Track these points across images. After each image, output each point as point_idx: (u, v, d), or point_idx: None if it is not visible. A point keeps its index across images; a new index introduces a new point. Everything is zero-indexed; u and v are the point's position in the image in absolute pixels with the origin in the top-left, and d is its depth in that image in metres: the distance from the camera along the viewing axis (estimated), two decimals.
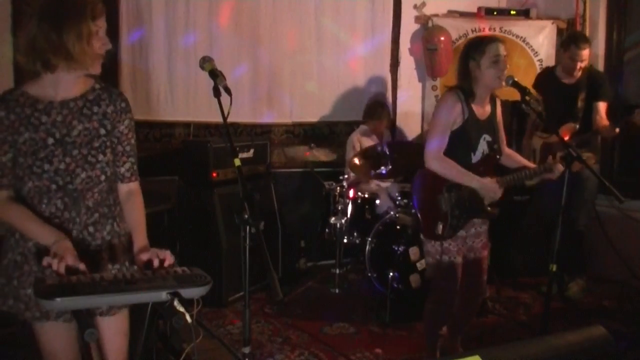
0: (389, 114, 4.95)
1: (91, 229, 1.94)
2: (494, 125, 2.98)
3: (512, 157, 3.14)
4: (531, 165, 3.09)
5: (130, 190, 2.03)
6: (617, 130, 3.78)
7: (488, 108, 2.97)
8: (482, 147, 2.93)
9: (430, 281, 3.19)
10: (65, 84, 1.89)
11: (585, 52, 4.04)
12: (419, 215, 3.01)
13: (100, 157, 1.92)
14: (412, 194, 3.10)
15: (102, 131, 1.93)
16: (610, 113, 4.06)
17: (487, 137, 2.93)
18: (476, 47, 2.86)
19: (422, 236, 3.06)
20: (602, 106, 4.05)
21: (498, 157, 3.03)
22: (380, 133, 4.89)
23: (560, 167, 2.88)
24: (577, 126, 3.99)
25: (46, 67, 1.83)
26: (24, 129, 1.84)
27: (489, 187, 2.86)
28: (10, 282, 1.89)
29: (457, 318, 3.18)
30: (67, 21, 1.77)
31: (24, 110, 1.85)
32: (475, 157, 2.92)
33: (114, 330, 2.02)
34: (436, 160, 2.84)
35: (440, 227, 2.88)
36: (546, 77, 4.36)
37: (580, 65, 4.05)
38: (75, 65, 1.83)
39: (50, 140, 1.86)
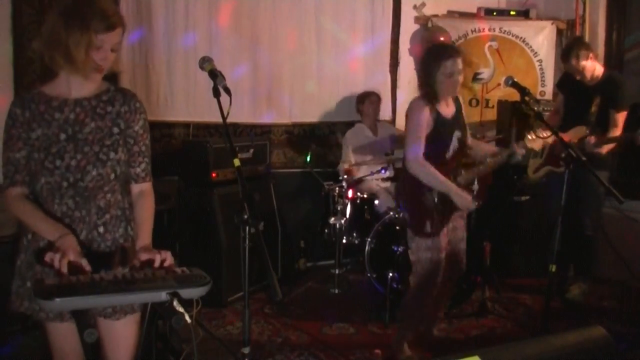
0: (379, 98, 4.97)
1: (101, 229, 1.94)
2: (461, 121, 3.16)
3: (477, 147, 3.35)
4: (494, 149, 3.31)
5: (142, 191, 2.04)
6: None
7: (452, 106, 3.14)
8: (454, 143, 3.10)
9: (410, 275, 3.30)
10: (78, 84, 1.91)
11: (576, 63, 3.96)
12: (407, 215, 3.20)
13: (112, 154, 1.93)
14: (398, 195, 3.25)
15: (115, 130, 1.95)
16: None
17: (458, 134, 3.12)
18: (433, 60, 3.03)
19: (409, 234, 3.18)
20: (618, 116, 3.91)
21: (468, 151, 3.25)
22: (373, 123, 4.91)
23: (521, 150, 3.12)
24: (588, 131, 3.95)
25: (52, 63, 1.85)
26: (37, 125, 1.87)
27: (463, 197, 3.03)
28: (25, 284, 1.91)
29: (437, 296, 3.28)
30: (74, 25, 1.79)
31: (38, 108, 1.88)
32: (449, 154, 3.10)
33: (122, 335, 2.01)
34: (418, 166, 3.02)
35: (429, 224, 3.05)
36: (568, 76, 4.26)
37: (583, 72, 3.99)
38: (73, 69, 1.85)
39: (63, 136, 1.88)
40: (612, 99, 3.94)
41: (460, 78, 3.02)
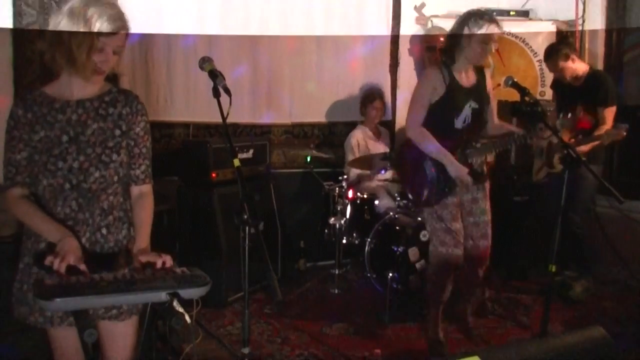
0: (383, 103, 4.99)
1: (104, 230, 1.95)
2: (480, 93, 3.08)
3: (503, 127, 3.26)
4: (515, 129, 3.20)
5: (142, 193, 2.04)
6: (624, 132, 3.64)
7: (473, 76, 3.07)
8: (466, 113, 3.03)
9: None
10: (80, 85, 1.91)
11: (554, 64, 4.04)
12: (405, 185, 3.26)
13: (114, 156, 1.94)
14: (397, 164, 3.25)
15: (117, 132, 1.95)
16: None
17: (473, 104, 3.04)
18: (476, 19, 2.99)
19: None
20: (606, 111, 3.93)
21: (490, 130, 3.17)
22: (375, 125, 4.91)
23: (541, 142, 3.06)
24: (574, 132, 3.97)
25: (53, 63, 1.86)
26: (40, 127, 1.87)
27: (457, 167, 2.99)
28: (22, 287, 1.91)
29: (461, 287, 3.29)
30: (77, 26, 1.79)
31: (41, 109, 1.88)
32: (458, 122, 3.03)
33: (121, 335, 2.02)
34: (415, 132, 3.04)
35: (426, 192, 3.06)
36: (559, 78, 4.30)
37: (562, 73, 4.05)
38: (73, 71, 1.85)
39: (65, 138, 1.88)
40: (597, 97, 3.96)
41: (493, 46, 2.99)
